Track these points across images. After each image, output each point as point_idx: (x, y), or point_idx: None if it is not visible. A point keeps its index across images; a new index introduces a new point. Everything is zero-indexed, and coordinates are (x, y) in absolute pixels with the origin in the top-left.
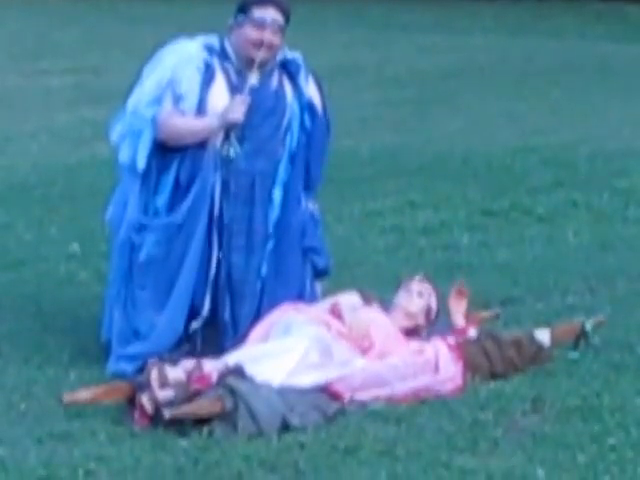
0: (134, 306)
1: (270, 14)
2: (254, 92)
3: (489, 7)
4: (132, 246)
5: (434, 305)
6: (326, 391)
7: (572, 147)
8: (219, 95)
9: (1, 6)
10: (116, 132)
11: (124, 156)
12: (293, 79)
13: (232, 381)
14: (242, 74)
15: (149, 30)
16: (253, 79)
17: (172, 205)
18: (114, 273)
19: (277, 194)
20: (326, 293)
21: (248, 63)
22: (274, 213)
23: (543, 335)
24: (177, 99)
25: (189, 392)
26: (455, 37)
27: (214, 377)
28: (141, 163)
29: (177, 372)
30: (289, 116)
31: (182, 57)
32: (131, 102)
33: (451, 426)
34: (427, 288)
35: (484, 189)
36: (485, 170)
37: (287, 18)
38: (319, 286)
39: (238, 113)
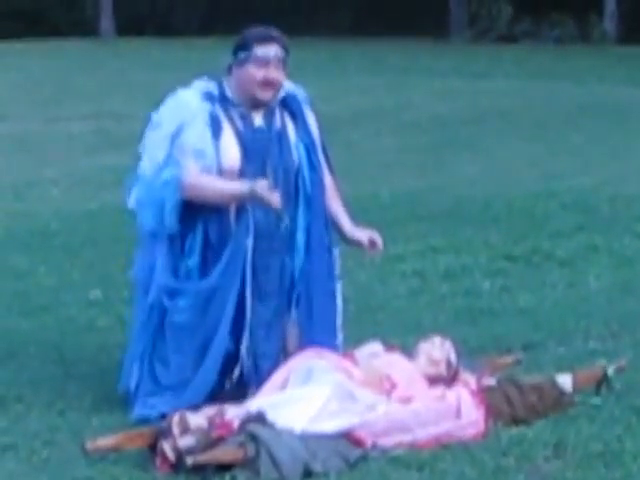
0: (165, 366)
1: (273, 50)
2: (254, 135)
3: (509, 51)
4: (164, 309)
5: (454, 360)
6: (348, 437)
7: (593, 191)
8: (229, 146)
9: (22, 51)
10: (133, 199)
11: (148, 222)
12: (294, 116)
13: (254, 428)
14: (246, 117)
15: (170, 76)
16: (258, 120)
17: (205, 265)
18: (140, 331)
19: (300, 239)
20: (347, 338)
21: (253, 104)
22: (299, 259)
23: (565, 380)
24: (197, 157)
25: (211, 439)
26: (475, 81)
27: (236, 424)
28: (172, 227)
29: (199, 419)
30: (297, 159)
31: (186, 113)
32: (144, 168)
33: (473, 472)
34: (447, 344)
35: (505, 234)
36: (506, 214)
37: (287, 53)
38: (340, 334)
39: (274, 198)
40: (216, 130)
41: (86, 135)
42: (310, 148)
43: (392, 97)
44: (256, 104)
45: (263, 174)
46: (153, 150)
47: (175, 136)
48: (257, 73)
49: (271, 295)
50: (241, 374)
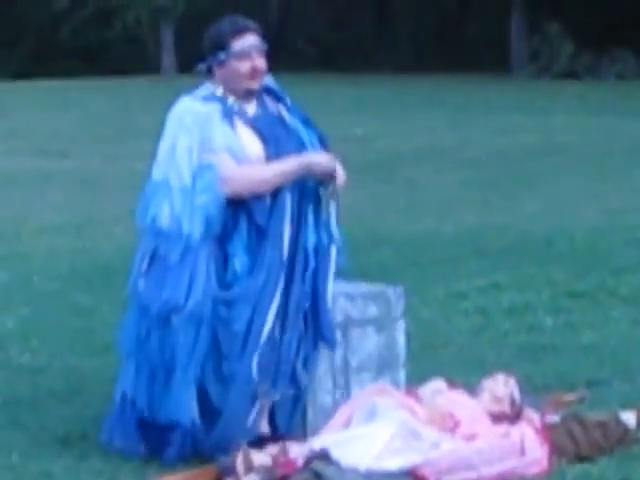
0: (225, 383)
1: (250, 41)
2: (260, 122)
3: (571, 86)
4: (216, 323)
5: (517, 397)
6: (412, 475)
7: None
8: (248, 137)
9: (85, 88)
10: (165, 216)
11: (193, 232)
12: (279, 99)
13: (318, 465)
14: (242, 109)
15: None
16: (251, 109)
17: (252, 263)
18: (188, 357)
19: (310, 216)
20: (411, 375)
21: (243, 95)
22: (312, 235)
23: (629, 417)
24: (228, 153)
25: (275, 477)
26: (536, 117)
27: (300, 462)
28: (218, 229)
29: (263, 457)
30: (301, 136)
31: (199, 118)
32: (173, 180)
33: None
34: (511, 381)
35: (568, 270)
36: (569, 251)
37: (262, 38)
38: (403, 371)
39: (332, 163)
40: (232, 125)
41: (146, 173)
42: (307, 123)
43: (453, 134)
44: (247, 95)
45: (282, 156)
46: (181, 163)
47: (201, 142)
48: (242, 66)
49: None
50: None
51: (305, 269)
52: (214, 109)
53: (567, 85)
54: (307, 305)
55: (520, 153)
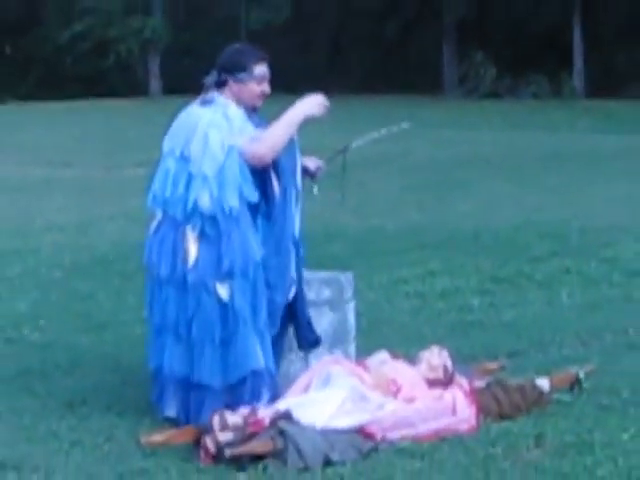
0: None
1: (265, 68)
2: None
3: (494, 105)
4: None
5: (450, 366)
6: (361, 432)
7: (565, 223)
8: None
9: (84, 109)
10: (206, 201)
11: (233, 202)
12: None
13: (282, 424)
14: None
15: None
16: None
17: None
18: (246, 311)
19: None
20: (359, 348)
21: (250, 110)
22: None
23: (543, 382)
24: (246, 130)
25: (246, 434)
26: (465, 131)
27: (267, 421)
28: (254, 194)
29: (235, 417)
30: None
31: (224, 114)
32: (208, 169)
33: (466, 460)
34: (444, 352)
35: (492, 259)
36: (492, 243)
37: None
38: (353, 345)
39: (319, 98)
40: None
41: (137, 180)
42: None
43: (397, 145)
44: (251, 110)
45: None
46: (214, 153)
47: (228, 131)
48: (257, 88)
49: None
50: None
51: (297, 254)
52: (226, 104)
53: (491, 104)
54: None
55: (452, 162)
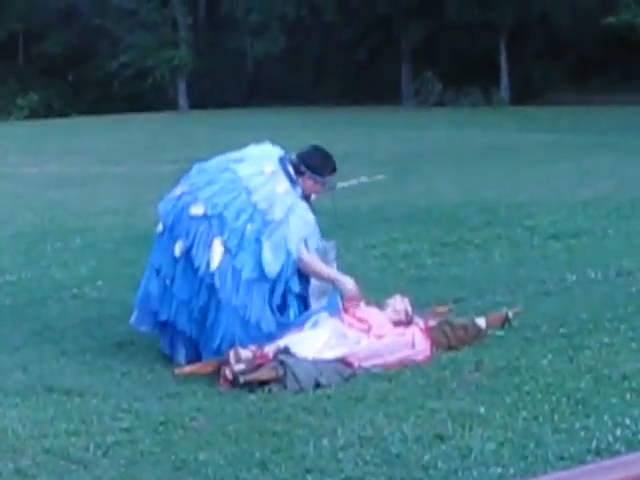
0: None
1: (333, 178)
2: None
3: (441, 112)
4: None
5: (409, 310)
6: (343, 362)
7: (496, 200)
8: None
9: (128, 121)
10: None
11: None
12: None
13: (282, 356)
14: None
15: (224, 134)
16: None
17: None
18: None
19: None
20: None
21: (306, 197)
22: None
23: (481, 321)
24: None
25: (255, 365)
26: (419, 131)
27: (271, 354)
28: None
29: (246, 352)
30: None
31: (298, 200)
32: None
33: (423, 381)
34: (405, 299)
35: (440, 229)
36: (441, 216)
37: None
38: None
39: (354, 289)
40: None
41: (170, 173)
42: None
43: (366, 142)
44: (307, 197)
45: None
46: (289, 236)
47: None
48: (320, 188)
49: None
50: None
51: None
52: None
53: (438, 111)
54: None
55: (409, 155)
